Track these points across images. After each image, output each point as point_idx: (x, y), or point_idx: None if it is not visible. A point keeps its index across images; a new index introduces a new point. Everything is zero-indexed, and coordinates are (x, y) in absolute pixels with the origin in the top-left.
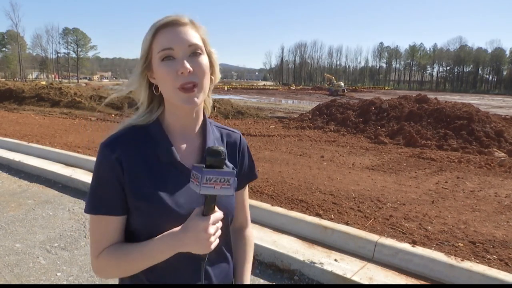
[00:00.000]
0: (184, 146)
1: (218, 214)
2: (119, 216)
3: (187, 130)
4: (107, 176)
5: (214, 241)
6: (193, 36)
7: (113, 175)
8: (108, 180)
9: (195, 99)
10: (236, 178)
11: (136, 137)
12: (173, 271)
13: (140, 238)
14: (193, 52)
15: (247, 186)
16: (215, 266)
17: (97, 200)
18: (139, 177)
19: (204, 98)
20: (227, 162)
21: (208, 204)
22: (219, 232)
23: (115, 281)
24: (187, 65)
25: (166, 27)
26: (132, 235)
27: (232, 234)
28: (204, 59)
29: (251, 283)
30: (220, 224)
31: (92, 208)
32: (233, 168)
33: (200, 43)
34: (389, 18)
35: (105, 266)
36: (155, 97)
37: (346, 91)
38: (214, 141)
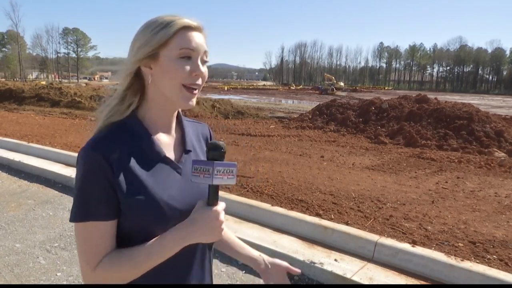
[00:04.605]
0: (166, 141)
1: (223, 203)
2: (111, 220)
3: (168, 126)
4: (96, 178)
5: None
6: (206, 45)
7: (102, 175)
8: (97, 182)
9: (193, 100)
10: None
11: (119, 135)
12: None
13: (135, 239)
14: (204, 60)
15: None
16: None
17: (86, 206)
18: (129, 173)
19: None
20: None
21: (213, 194)
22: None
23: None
24: (203, 69)
25: (191, 29)
26: (125, 239)
27: None
28: (206, 68)
29: (251, 283)
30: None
31: (83, 216)
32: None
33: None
34: (389, 18)
35: (108, 277)
36: (133, 87)
37: (335, 90)
38: (192, 134)
